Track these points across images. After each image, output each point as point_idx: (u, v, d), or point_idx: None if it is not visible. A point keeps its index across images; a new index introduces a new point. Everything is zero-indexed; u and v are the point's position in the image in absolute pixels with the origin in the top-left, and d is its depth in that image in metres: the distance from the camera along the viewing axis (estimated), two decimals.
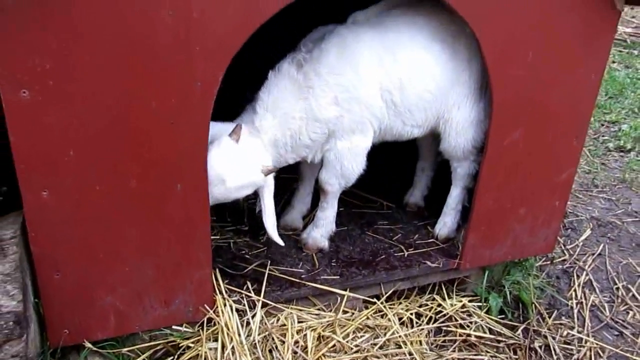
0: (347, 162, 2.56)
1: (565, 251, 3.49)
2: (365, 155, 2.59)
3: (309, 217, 3.03)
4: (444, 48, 2.52)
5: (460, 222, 2.92)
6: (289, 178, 3.43)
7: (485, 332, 2.71)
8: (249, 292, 2.42)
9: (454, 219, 2.93)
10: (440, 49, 2.52)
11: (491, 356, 2.60)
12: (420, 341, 2.57)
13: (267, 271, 2.56)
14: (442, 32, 2.52)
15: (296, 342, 2.37)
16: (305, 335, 2.41)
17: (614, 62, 7.35)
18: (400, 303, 2.75)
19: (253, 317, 2.36)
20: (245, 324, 2.32)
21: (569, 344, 2.79)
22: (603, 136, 5.27)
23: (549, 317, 2.91)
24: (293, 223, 2.99)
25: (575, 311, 3.00)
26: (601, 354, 2.74)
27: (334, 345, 2.42)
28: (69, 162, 1.80)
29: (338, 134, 2.49)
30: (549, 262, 3.34)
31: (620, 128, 5.38)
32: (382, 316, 2.63)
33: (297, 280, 2.55)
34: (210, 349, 2.24)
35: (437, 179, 3.27)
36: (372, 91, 2.44)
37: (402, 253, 2.82)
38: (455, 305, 2.79)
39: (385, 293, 2.71)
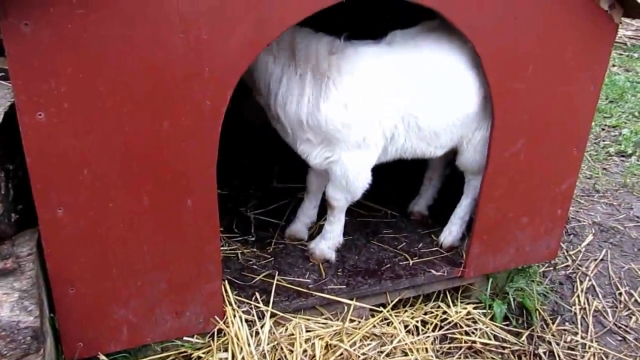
0: (352, 177, 2.58)
1: (568, 257, 3.53)
2: (369, 170, 2.62)
3: (315, 228, 3.08)
4: (477, 75, 2.51)
5: (465, 233, 2.97)
6: (296, 188, 3.51)
7: (490, 339, 2.75)
8: (258, 302, 2.47)
9: (459, 229, 2.98)
10: (474, 76, 2.51)
11: None
12: (426, 348, 2.61)
13: (275, 282, 2.60)
14: (476, 58, 2.46)
15: (304, 351, 2.41)
16: (313, 344, 2.45)
17: (614, 65, 7.40)
18: (406, 311, 2.80)
19: (262, 327, 2.40)
20: (254, 334, 2.37)
21: (572, 349, 2.82)
22: (604, 141, 5.31)
23: (553, 323, 2.96)
24: (297, 234, 3.04)
25: (579, 317, 3.04)
26: (605, 359, 2.78)
27: (342, 354, 2.46)
28: (83, 181, 1.85)
29: (344, 145, 2.49)
30: (552, 269, 3.38)
31: (621, 132, 5.42)
32: (388, 324, 2.67)
33: (305, 291, 2.59)
34: (220, 359, 2.29)
35: (443, 188, 3.31)
36: (388, 113, 2.46)
37: (407, 262, 2.87)
38: (460, 312, 2.83)
39: (391, 301, 2.76)
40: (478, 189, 2.79)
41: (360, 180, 2.61)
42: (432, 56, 2.52)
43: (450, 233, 2.98)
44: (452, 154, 2.87)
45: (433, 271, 2.80)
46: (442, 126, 2.58)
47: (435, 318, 2.79)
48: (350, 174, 2.57)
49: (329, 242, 2.83)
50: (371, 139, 2.50)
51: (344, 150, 2.52)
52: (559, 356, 2.75)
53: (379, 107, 2.44)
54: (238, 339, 2.31)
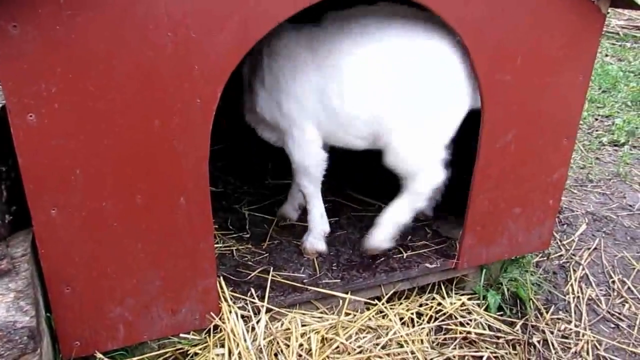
0: (294, 155, 2.66)
1: (561, 246, 3.55)
2: (312, 147, 2.61)
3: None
4: (409, 67, 2.38)
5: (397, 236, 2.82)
6: (290, 184, 3.51)
7: (484, 329, 2.77)
8: (253, 298, 2.48)
9: (385, 231, 2.77)
10: (398, 66, 2.37)
11: (491, 352, 2.66)
12: (422, 340, 2.63)
13: (270, 277, 2.62)
14: (417, 49, 2.37)
15: (301, 345, 2.43)
16: (309, 338, 2.46)
17: (606, 55, 7.41)
18: (401, 303, 2.82)
19: (258, 322, 2.42)
20: (250, 330, 2.39)
21: (566, 337, 2.85)
22: (597, 130, 5.33)
23: (547, 312, 2.98)
24: (287, 213, 3.19)
25: (572, 305, 3.07)
26: (598, 346, 2.81)
27: (338, 347, 2.48)
28: (76, 181, 1.86)
29: (281, 127, 2.62)
30: (545, 258, 3.41)
31: (614, 122, 5.44)
32: (383, 317, 2.69)
33: (300, 285, 2.61)
34: (217, 354, 2.31)
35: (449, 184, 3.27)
36: (305, 91, 2.48)
37: (401, 255, 2.89)
38: (454, 303, 2.85)
39: (386, 294, 2.78)
40: (410, 193, 2.68)
41: (307, 159, 2.64)
42: (353, 38, 2.41)
43: (373, 236, 2.79)
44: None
45: (427, 264, 2.82)
46: (356, 112, 2.47)
47: (430, 310, 2.81)
48: (292, 152, 2.65)
49: (313, 231, 2.86)
50: (295, 117, 2.55)
51: (283, 132, 2.62)
52: (552, 344, 2.78)
53: (294, 85, 2.48)
54: (234, 334, 2.32)
